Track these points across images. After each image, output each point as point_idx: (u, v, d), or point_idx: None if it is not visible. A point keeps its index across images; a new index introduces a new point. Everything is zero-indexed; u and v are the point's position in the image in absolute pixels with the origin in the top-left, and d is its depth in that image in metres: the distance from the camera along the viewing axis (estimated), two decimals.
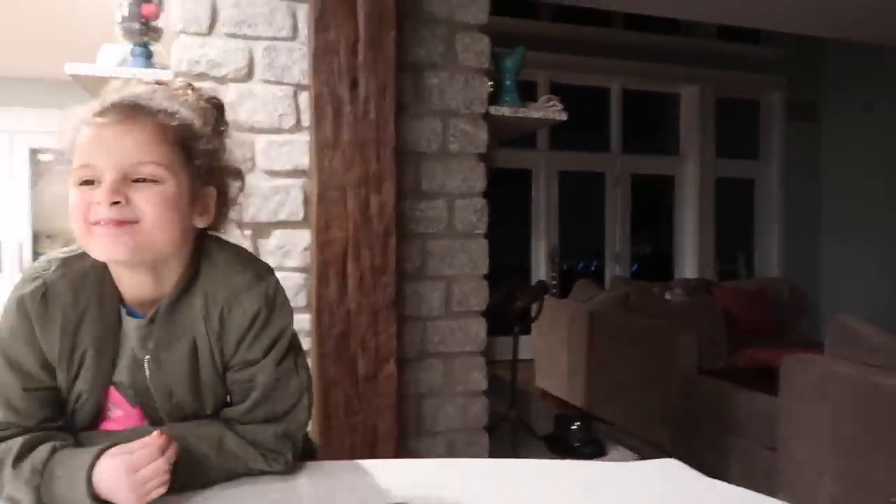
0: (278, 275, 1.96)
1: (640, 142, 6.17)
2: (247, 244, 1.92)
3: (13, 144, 5.23)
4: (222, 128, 0.93)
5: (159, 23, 1.98)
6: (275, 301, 0.88)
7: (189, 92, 0.92)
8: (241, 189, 0.95)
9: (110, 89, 0.85)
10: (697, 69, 5.84)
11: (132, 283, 0.85)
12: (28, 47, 4.21)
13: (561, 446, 2.86)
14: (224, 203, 0.92)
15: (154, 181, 0.79)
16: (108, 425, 0.89)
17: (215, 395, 0.89)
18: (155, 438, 0.77)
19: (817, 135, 6.26)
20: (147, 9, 1.93)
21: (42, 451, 0.78)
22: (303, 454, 0.96)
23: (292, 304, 1.93)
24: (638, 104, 6.12)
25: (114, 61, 1.94)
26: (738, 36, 5.82)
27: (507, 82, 2.18)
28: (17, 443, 0.79)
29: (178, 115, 0.83)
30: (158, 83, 0.92)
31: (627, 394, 3.43)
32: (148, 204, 0.78)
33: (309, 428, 1.26)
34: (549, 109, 2.18)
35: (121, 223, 0.77)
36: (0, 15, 3.68)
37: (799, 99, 6.17)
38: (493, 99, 2.15)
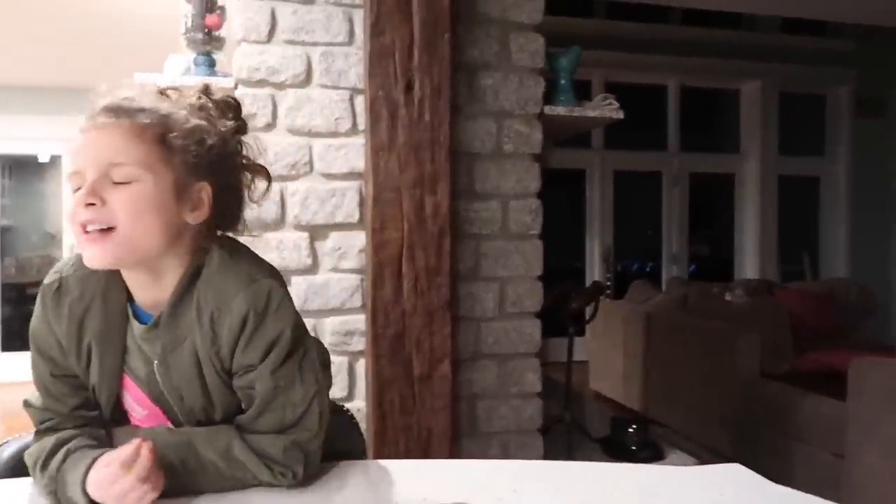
0: (334, 276, 2.03)
1: (698, 139, 6.03)
2: (304, 245, 1.97)
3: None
4: (229, 123, 0.90)
5: (221, 32, 2.05)
6: (267, 304, 0.83)
7: (187, 91, 0.91)
8: (267, 189, 0.93)
9: (99, 93, 0.85)
10: (759, 64, 5.66)
11: (135, 284, 0.86)
12: (98, 59, 4.41)
13: (617, 450, 2.82)
14: (234, 202, 0.91)
15: (131, 182, 0.79)
16: (135, 422, 0.91)
17: (224, 400, 0.87)
18: (122, 452, 0.76)
19: (887, 130, 5.98)
20: (210, 19, 1.99)
21: (59, 456, 0.81)
22: (348, 453, 0.97)
23: (348, 304, 2.00)
24: (696, 101, 5.98)
25: (179, 70, 2.02)
26: (804, 28, 5.61)
27: (562, 81, 2.17)
28: (48, 444, 0.83)
29: (157, 114, 0.83)
30: (172, 89, 0.92)
31: (685, 397, 3.35)
32: (124, 205, 0.79)
33: (363, 426, 1.28)
34: (606, 108, 2.15)
35: (98, 232, 0.78)
36: (72, 29, 3.87)
37: (868, 93, 5.91)
38: (548, 98, 2.14)
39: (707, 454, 2.99)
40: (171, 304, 0.85)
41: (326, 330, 2.01)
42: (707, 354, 3.21)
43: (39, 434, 0.87)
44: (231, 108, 0.92)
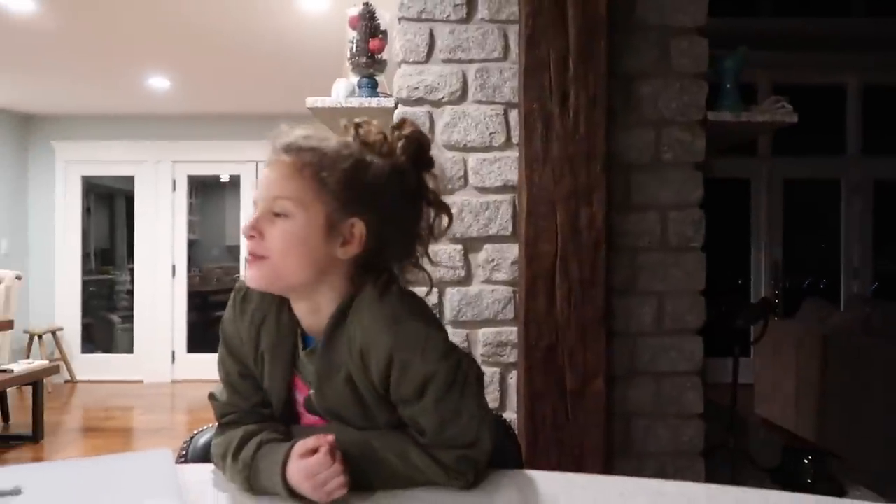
0: (487, 287, 2.06)
1: (884, 143, 5.43)
2: (458, 257, 2.02)
3: (259, 173, 6.02)
4: (402, 159, 0.92)
5: (383, 55, 2.16)
6: (412, 346, 0.85)
7: (372, 126, 0.93)
8: (448, 225, 0.94)
9: (279, 132, 0.91)
10: None
11: (298, 309, 0.92)
12: (272, 88, 4.82)
13: (790, 482, 2.58)
14: (401, 236, 0.92)
15: (286, 215, 0.85)
16: (305, 422, 0.97)
17: (384, 414, 0.91)
18: (325, 444, 0.81)
19: None
20: (373, 43, 2.11)
21: (251, 446, 0.87)
22: (504, 462, 0.97)
23: (500, 316, 2.02)
24: (881, 101, 5.39)
25: (344, 93, 2.15)
26: None
27: (727, 85, 2.05)
28: (237, 436, 0.90)
29: (319, 151, 0.87)
30: (360, 124, 0.93)
31: (870, 428, 3.01)
32: (276, 239, 0.85)
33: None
34: (777, 111, 2.00)
35: (255, 258, 0.86)
36: (248, 61, 4.27)
37: None
38: (711, 104, 2.03)
39: None
40: (326, 334, 0.89)
41: (479, 341, 2.04)
42: None
43: (223, 427, 0.95)
44: (415, 143, 0.93)
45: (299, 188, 0.85)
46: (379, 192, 0.89)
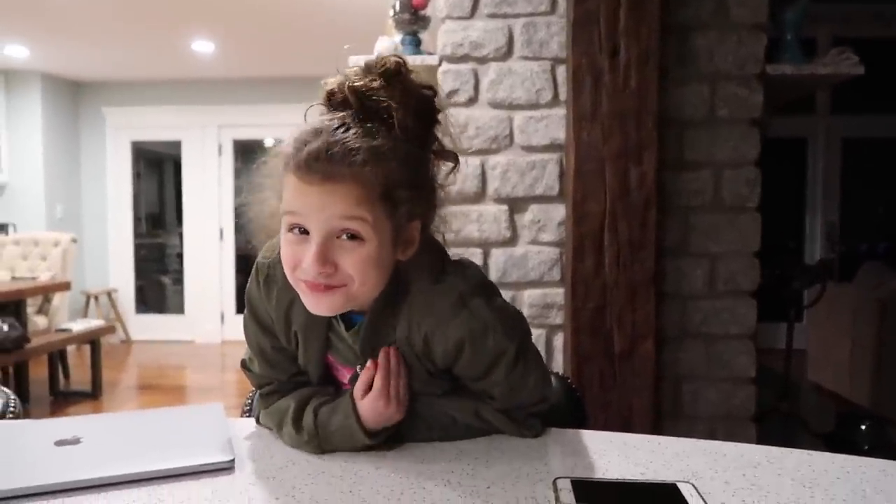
0: (533, 248, 2.03)
1: None
2: (503, 218, 1.99)
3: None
4: (430, 117, 0.83)
5: (427, 12, 2.12)
6: (483, 329, 0.83)
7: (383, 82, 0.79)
8: (453, 170, 0.87)
9: (309, 130, 0.78)
10: None
11: None
12: (313, 48, 4.80)
13: (845, 448, 2.51)
14: (433, 211, 0.86)
15: (358, 238, 0.76)
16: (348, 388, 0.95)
17: (431, 390, 0.89)
18: (371, 368, 0.85)
19: None
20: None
21: (308, 416, 0.86)
22: (567, 420, 0.97)
23: (547, 277, 1.99)
24: None
25: (387, 51, 2.11)
26: None
27: (788, 37, 1.94)
28: (290, 405, 0.89)
29: (383, 164, 0.76)
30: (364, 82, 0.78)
31: None
32: (353, 268, 0.77)
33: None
34: (842, 63, 1.89)
35: (326, 288, 0.78)
36: (289, 23, 4.24)
37: None
38: (770, 57, 1.93)
39: None
40: (373, 315, 0.85)
41: (524, 302, 2.02)
42: None
43: (266, 397, 0.95)
44: (415, 97, 0.81)
45: (371, 211, 0.76)
46: (424, 181, 0.83)
